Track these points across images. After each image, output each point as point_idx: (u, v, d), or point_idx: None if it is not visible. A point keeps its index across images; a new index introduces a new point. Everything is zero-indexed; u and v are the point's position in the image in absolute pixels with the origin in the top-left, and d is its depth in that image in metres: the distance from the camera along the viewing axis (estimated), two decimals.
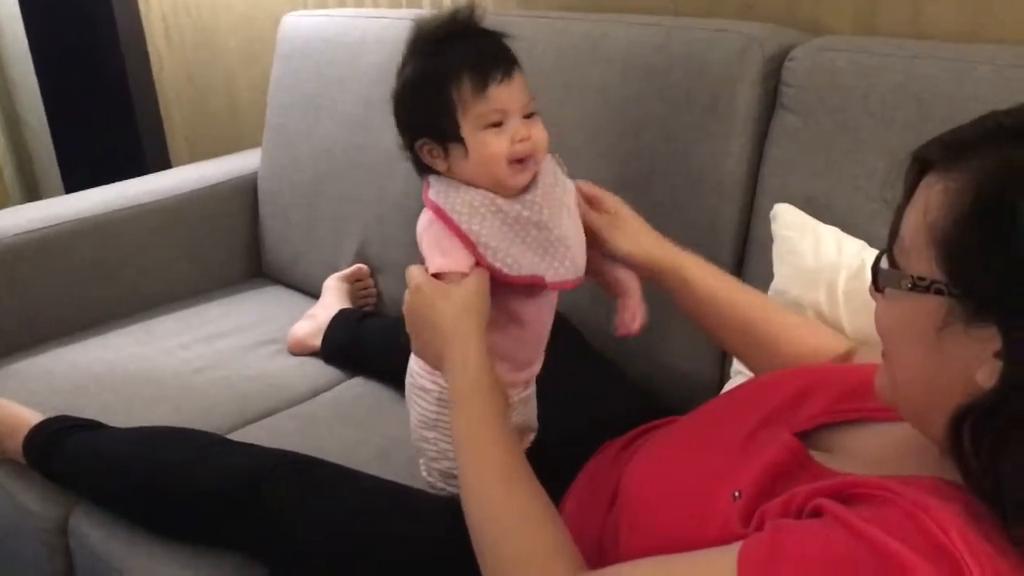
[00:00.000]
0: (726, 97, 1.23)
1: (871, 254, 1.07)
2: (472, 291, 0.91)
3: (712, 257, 1.25)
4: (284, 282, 1.92)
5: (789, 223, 1.15)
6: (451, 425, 0.86)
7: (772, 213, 1.17)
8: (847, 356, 0.99)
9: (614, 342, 1.34)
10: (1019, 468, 0.59)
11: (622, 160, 1.33)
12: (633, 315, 1.02)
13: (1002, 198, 0.58)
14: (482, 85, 0.91)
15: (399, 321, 1.57)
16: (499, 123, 0.92)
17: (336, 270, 1.73)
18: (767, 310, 1.04)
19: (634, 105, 1.32)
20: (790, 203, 1.18)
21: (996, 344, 0.59)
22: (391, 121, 1.62)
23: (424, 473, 1.07)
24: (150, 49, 2.40)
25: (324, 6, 2.03)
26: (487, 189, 0.94)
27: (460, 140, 0.92)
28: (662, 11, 1.46)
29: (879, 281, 0.67)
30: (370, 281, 1.73)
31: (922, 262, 0.62)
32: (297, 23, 1.85)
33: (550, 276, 0.95)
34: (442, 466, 1.04)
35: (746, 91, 1.22)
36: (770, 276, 1.16)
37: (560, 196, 0.98)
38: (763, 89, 1.22)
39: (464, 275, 0.92)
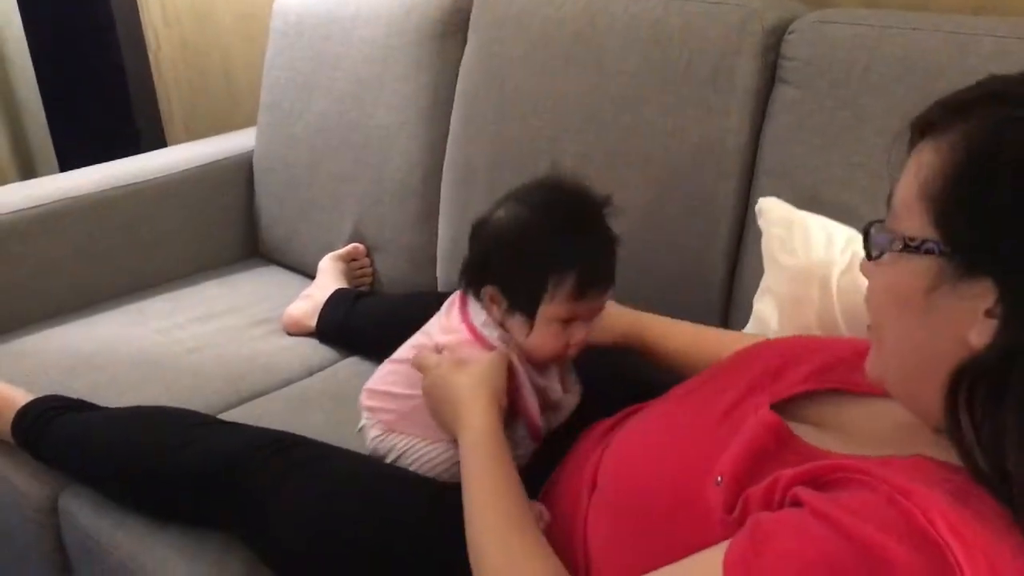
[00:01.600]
0: (725, 71, 1.20)
1: (860, 244, 1.05)
2: (488, 366, 0.94)
3: (710, 235, 1.25)
4: (279, 262, 1.90)
5: (776, 219, 1.13)
6: (462, 482, 0.86)
7: (757, 208, 1.15)
8: None
9: None
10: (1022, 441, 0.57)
11: (620, 135, 1.31)
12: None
13: (994, 150, 0.58)
14: (580, 294, 0.93)
15: (395, 299, 1.59)
16: (570, 321, 0.95)
17: (332, 249, 1.71)
18: (725, 339, 1.06)
19: (632, 79, 1.29)
20: (789, 177, 1.16)
21: (987, 301, 0.58)
22: (384, 98, 1.63)
23: (368, 441, 1.09)
24: (147, 28, 2.38)
25: None
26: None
27: (531, 319, 0.94)
28: None
29: (871, 246, 0.66)
30: (366, 260, 1.71)
31: (914, 222, 0.62)
32: (291, 0, 1.82)
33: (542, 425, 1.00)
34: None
35: (745, 64, 1.19)
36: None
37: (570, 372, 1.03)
38: (763, 62, 1.20)
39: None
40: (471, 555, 0.80)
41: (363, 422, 1.11)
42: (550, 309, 0.93)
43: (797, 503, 0.62)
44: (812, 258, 1.07)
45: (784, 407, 0.76)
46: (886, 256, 0.64)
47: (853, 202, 1.10)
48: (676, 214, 1.27)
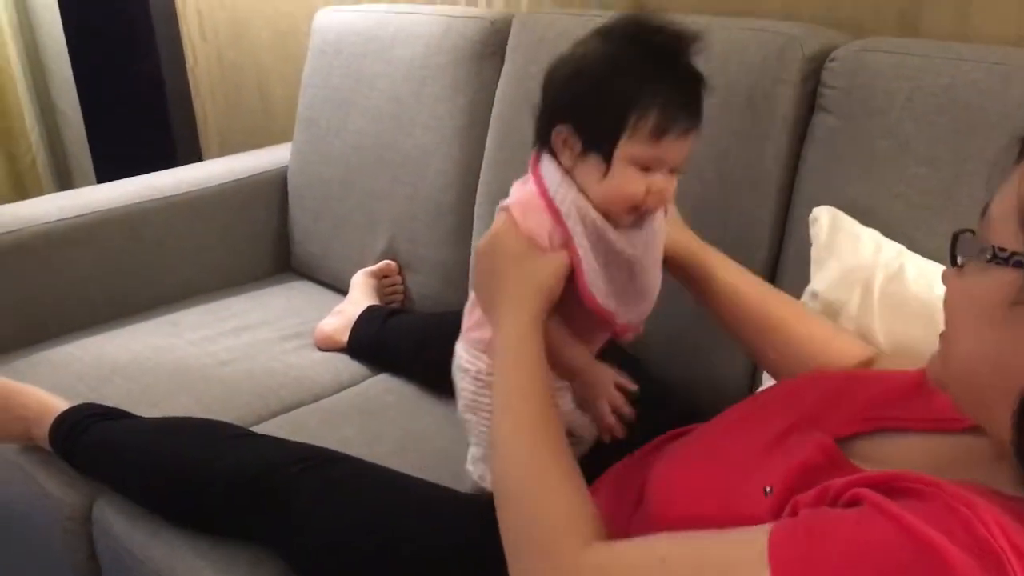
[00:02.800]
0: (765, 97, 1.20)
1: (911, 257, 1.05)
2: (551, 268, 0.88)
3: (746, 259, 1.24)
4: (312, 277, 1.92)
5: (827, 225, 1.12)
6: (494, 381, 0.84)
7: (812, 216, 1.14)
8: (868, 363, 0.97)
9: (646, 345, 1.33)
10: None
11: None
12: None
13: None
14: (662, 131, 0.85)
15: (427, 318, 1.59)
16: (649, 167, 0.88)
17: (364, 266, 1.73)
18: (790, 311, 1.02)
19: None
20: (828, 206, 1.15)
21: None
22: (421, 118, 1.64)
23: (469, 464, 1.06)
24: (184, 42, 2.41)
25: (358, 1, 2.02)
26: (592, 205, 0.90)
27: (607, 158, 0.87)
28: (700, 9, 1.44)
29: (958, 252, 0.65)
30: (398, 278, 1.72)
31: (1007, 234, 0.61)
32: (331, 18, 1.85)
33: (621, 319, 0.93)
34: (479, 452, 1.02)
35: (785, 91, 1.19)
36: (806, 280, 1.14)
37: (659, 245, 0.96)
38: (803, 90, 1.20)
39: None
40: (494, 466, 0.78)
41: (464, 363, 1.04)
42: (628, 149, 0.86)
43: (856, 502, 0.62)
44: (858, 261, 1.06)
45: (837, 442, 0.75)
46: (972, 264, 0.64)
47: (893, 231, 1.10)
48: (712, 239, 1.26)
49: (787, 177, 1.22)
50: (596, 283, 0.90)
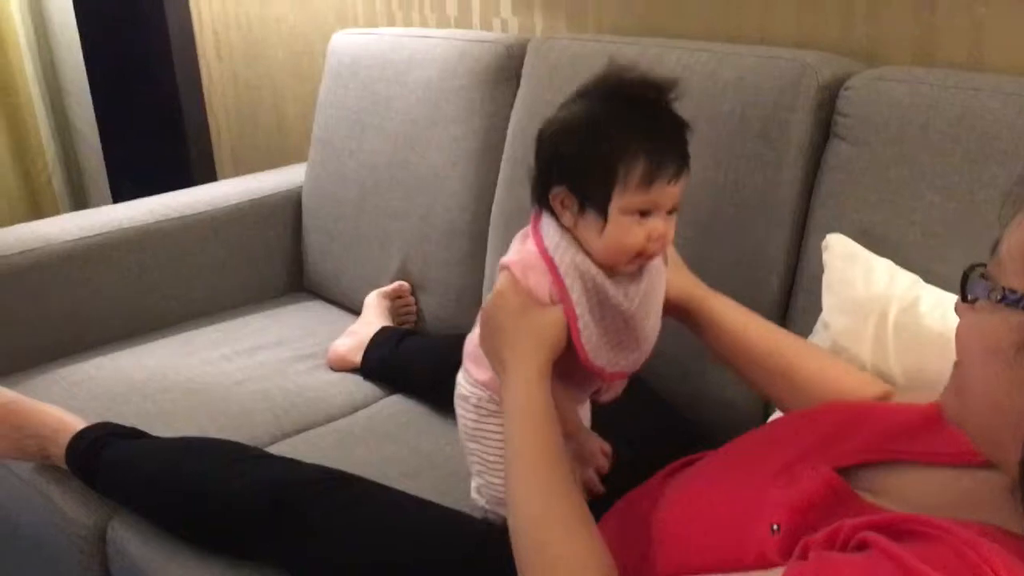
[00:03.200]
0: (779, 125, 1.21)
1: (926, 289, 1.06)
2: (552, 322, 0.91)
3: (759, 285, 1.25)
4: (325, 297, 1.93)
5: (841, 253, 1.13)
6: (504, 436, 0.86)
7: (824, 243, 1.15)
8: (883, 399, 0.97)
9: (656, 369, 1.33)
10: None
11: None
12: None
13: None
14: (651, 178, 0.87)
15: (440, 341, 1.60)
16: (646, 213, 0.89)
17: (377, 286, 1.74)
18: (800, 351, 1.02)
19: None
20: (842, 234, 1.16)
21: None
22: (436, 140, 1.66)
23: (472, 490, 1.06)
24: (200, 62, 2.44)
25: (373, 24, 2.04)
26: (596, 262, 0.92)
27: (603, 213, 0.89)
28: (713, 37, 1.45)
29: (968, 291, 0.66)
30: (411, 299, 1.73)
31: (1017, 275, 0.61)
32: (347, 41, 1.86)
33: (610, 369, 0.95)
34: (484, 480, 1.03)
35: (800, 119, 1.20)
36: (820, 308, 1.14)
37: (657, 294, 0.97)
38: (817, 117, 1.21)
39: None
40: (511, 516, 0.80)
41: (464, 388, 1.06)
42: (623, 200, 0.88)
43: (864, 546, 0.62)
44: (871, 292, 1.06)
45: (843, 472, 0.75)
46: (982, 303, 0.64)
47: (906, 259, 1.10)
48: (725, 265, 1.27)
49: (801, 204, 1.23)
50: (591, 339, 0.93)
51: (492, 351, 0.93)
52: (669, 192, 0.89)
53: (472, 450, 1.05)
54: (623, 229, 0.89)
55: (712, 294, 1.03)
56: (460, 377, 1.06)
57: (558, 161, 0.92)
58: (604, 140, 0.88)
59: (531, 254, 0.93)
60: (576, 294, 0.91)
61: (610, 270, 0.93)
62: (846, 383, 0.98)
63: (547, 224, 0.94)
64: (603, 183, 0.88)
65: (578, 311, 0.91)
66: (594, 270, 0.91)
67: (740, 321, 1.02)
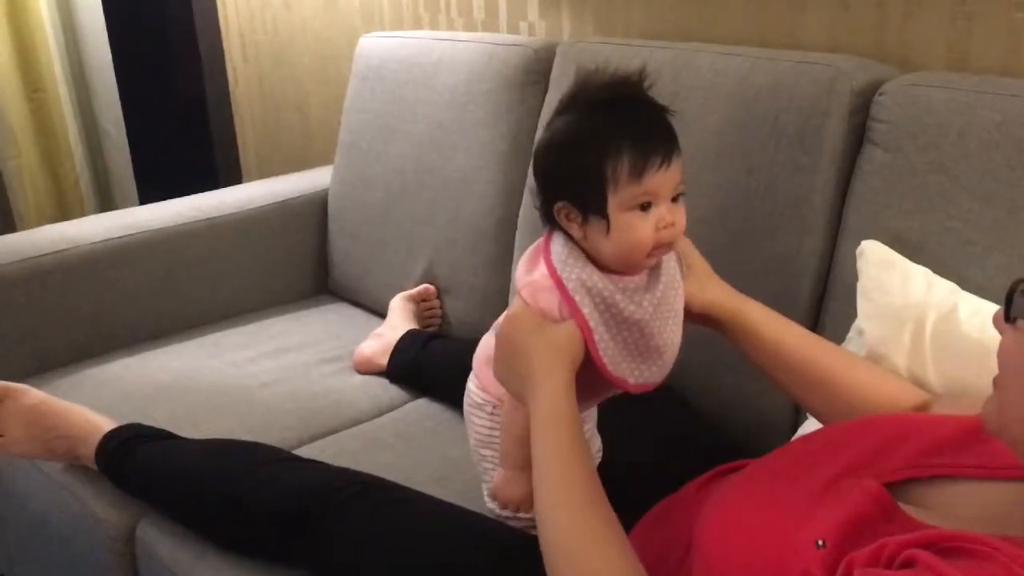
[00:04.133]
0: (813, 130, 1.20)
1: (964, 297, 1.04)
2: (569, 335, 0.90)
3: (792, 291, 1.24)
4: (350, 299, 1.93)
5: (876, 260, 1.11)
6: (532, 451, 0.85)
7: (859, 249, 1.14)
8: (922, 408, 0.95)
9: (684, 378, 1.32)
10: None
11: (701, 191, 1.31)
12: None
13: None
14: (640, 168, 0.87)
15: (466, 344, 1.59)
16: (647, 205, 0.89)
17: (402, 289, 1.74)
18: (838, 358, 1.00)
19: (715, 136, 1.30)
20: (875, 239, 1.14)
21: None
22: (463, 144, 1.65)
23: (486, 497, 1.06)
24: (226, 65, 2.45)
25: (400, 27, 2.05)
26: (614, 267, 0.92)
27: (604, 216, 0.89)
28: (745, 42, 1.44)
29: (1012, 310, 0.65)
30: (436, 302, 1.73)
31: None
32: (373, 44, 1.87)
33: (633, 380, 0.95)
34: None
35: (834, 124, 1.19)
36: (852, 316, 1.13)
37: (673, 300, 0.97)
38: (851, 123, 1.19)
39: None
40: (540, 523, 0.79)
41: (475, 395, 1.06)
42: (618, 197, 0.88)
43: (910, 564, 0.61)
44: (908, 300, 1.05)
45: (889, 487, 0.74)
46: (1022, 322, 0.63)
47: (943, 267, 1.09)
48: (756, 272, 1.26)
49: (834, 210, 1.22)
50: (607, 350, 0.92)
51: (510, 373, 0.93)
52: (664, 178, 0.88)
53: (486, 456, 1.05)
54: (627, 226, 0.89)
55: (747, 302, 1.02)
56: (472, 385, 1.07)
57: (552, 178, 0.93)
58: (585, 144, 0.89)
59: (541, 275, 0.94)
60: (587, 309, 0.91)
61: (631, 271, 0.92)
62: (884, 391, 0.96)
63: (556, 241, 0.95)
64: (596, 187, 0.88)
65: (591, 324, 0.91)
66: (602, 283, 0.91)
67: (777, 330, 1.00)
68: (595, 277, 0.91)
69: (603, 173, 0.87)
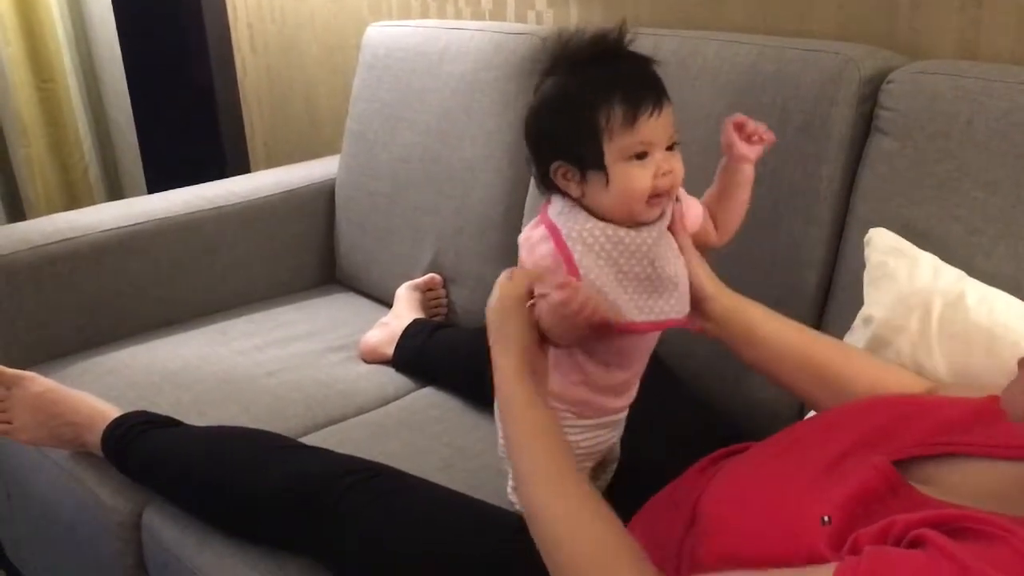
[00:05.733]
0: (820, 118, 1.20)
1: (971, 283, 1.04)
2: (520, 326, 0.87)
3: (796, 283, 1.24)
4: (356, 288, 1.93)
5: (884, 247, 1.11)
6: (504, 433, 0.85)
7: (867, 237, 1.13)
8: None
9: (694, 368, 1.32)
10: None
11: (707, 179, 1.30)
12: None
13: None
14: (633, 116, 0.87)
15: (472, 333, 1.60)
16: (643, 154, 0.89)
17: (409, 278, 1.74)
18: (836, 352, 1.00)
19: (722, 124, 1.29)
20: (884, 228, 1.14)
21: None
22: (470, 133, 1.65)
23: (509, 491, 1.06)
24: (234, 55, 2.45)
25: (407, 17, 2.04)
26: (616, 220, 0.91)
27: (602, 169, 0.89)
28: (753, 29, 1.43)
29: None
30: (442, 291, 1.73)
31: None
32: (381, 33, 1.86)
33: (643, 317, 0.92)
34: None
35: (842, 112, 1.18)
36: (859, 305, 1.12)
37: (671, 241, 0.96)
38: (859, 111, 1.19)
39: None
40: (525, 511, 0.79)
41: None
42: (614, 146, 0.88)
43: (919, 543, 0.61)
44: (916, 286, 1.05)
45: (897, 465, 0.74)
46: None
47: (950, 255, 1.08)
48: (762, 260, 1.26)
49: (841, 199, 1.21)
50: (617, 294, 0.91)
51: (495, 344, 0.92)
52: (657, 125, 0.89)
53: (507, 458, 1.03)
54: (626, 175, 0.89)
55: (745, 301, 1.01)
56: None
57: (545, 139, 0.93)
58: (576, 98, 0.89)
59: (539, 235, 0.93)
60: (588, 260, 0.90)
61: (631, 222, 0.92)
62: (887, 381, 0.96)
63: (554, 203, 0.95)
64: (591, 139, 0.88)
65: (582, 271, 0.89)
66: (602, 229, 0.91)
67: (776, 328, 1.00)
68: (594, 225, 0.91)
69: (597, 125, 0.88)
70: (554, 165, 0.91)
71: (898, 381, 0.97)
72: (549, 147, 0.92)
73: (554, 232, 0.91)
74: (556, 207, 0.94)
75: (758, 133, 0.99)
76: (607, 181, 0.89)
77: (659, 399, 1.10)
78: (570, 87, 0.90)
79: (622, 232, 0.91)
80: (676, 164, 0.91)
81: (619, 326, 0.91)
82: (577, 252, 0.90)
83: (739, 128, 0.99)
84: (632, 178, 0.89)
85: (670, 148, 0.91)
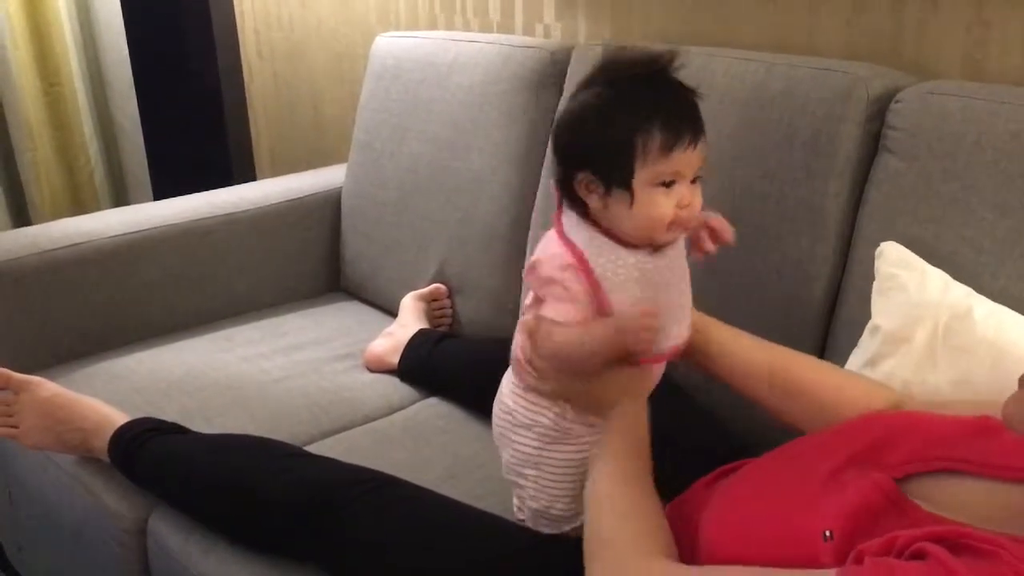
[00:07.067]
0: (828, 137, 1.20)
1: (979, 300, 1.05)
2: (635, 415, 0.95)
3: (802, 300, 1.25)
4: (361, 297, 1.94)
5: (895, 260, 1.12)
6: (595, 468, 0.90)
7: (878, 251, 1.14)
8: (895, 407, 0.96)
9: (698, 380, 1.32)
10: None
11: (715, 194, 1.30)
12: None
13: None
14: (670, 145, 0.88)
15: (476, 344, 1.60)
16: (671, 183, 0.90)
17: (414, 288, 1.74)
18: (806, 365, 1.03)
19: (730, 141, 1.30)
20: (895, 243, 1.15)
21: None
22: (478, 144, 1.66)
23: (516, 510, 1.06)
24: (242, 62, 2.46)
25: (415, 27, 2.05)
26: (632, 240, 0.93)
27: (628, 189, 0.90)
28: (762, 46, 1.44)
29: None
30: (447, 302, 1.73)
31: None
32: (389, 43, 1.87)
33: (665, 344, 0.96)
34: (539, 504, 1.02)
35: (849, 131, 1.19)
36: (864, 322, 1.13)
37: (683, 264, 0.98)
38: (866, 130, 1.20)
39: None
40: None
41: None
42: (645, 172, 0.89)
43: (920, 555, 0.62)
44: (924, 298, 1.06)
45: (897, 481, 0.75)
46: None
47: (957, 275, 1.09)
48: (768, 276, 1.27)
49: (848, 217, 1.22)
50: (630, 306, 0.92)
51: (582, 395, 0.97)
52: (689, 159, 0.90)
53: (529, 476, 1.01)
54: (651, 201, 0.90)
55: (714, 322, 1.04)
56: (516, 405, 1.02)
57: (577, 147, 0.93)
58: (618, 116, 0.90)
59: (561, 262, 0.94)
60: (618, 295, 0.92)
61: (646, 245, 0.93)
62: (852, 392, 0.99)
63: (571, 226, 0.95)
64: (624, 158, 0.89)
65: (615, 306, 0.91)
66: (627, 256, 0.92)
67: (746, 346, 1.03)
68: (621, 252, 0.92)
69: (633, 145, 0.88)
70: (580, 175, 0.92)
71: (865, 391, 0.99)
72: (579, 156, 0.92)
73: (582, 263, 0.92)
74: (577, 234, 0.94)
75: (724, 234, 0.99)
76: (631, 202, 0.90)
77: (668, 412, 1.11)
78: (613, 101, 0.90)
79: (645, 259, 0.92)
80: (697, 199, 0.93)
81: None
82: (607, 285, 0.92)
83: (710, 228, 1.00)
84: (657, 204, 0.90)
85: (693, 181, 0.92)
